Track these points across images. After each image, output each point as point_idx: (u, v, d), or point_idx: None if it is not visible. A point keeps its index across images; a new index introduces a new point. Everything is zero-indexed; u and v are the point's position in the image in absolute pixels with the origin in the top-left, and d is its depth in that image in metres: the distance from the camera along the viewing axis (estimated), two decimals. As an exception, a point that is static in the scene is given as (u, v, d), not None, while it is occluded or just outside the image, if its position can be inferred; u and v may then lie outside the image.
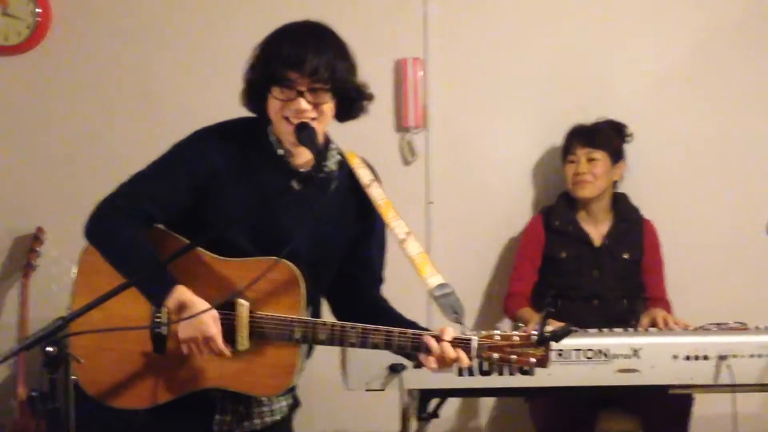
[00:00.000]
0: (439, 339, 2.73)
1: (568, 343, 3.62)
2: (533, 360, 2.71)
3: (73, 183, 4.74)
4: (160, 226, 2.85)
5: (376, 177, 2.96)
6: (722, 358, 3.71)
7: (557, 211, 4.63)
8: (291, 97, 2.76)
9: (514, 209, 4.79)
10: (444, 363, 2.75)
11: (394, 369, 3.69)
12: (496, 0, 4.84)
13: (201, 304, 2.71)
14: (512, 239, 4.80)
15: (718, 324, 3.96)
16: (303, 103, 2.75)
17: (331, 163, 2.91)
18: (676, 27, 4.85)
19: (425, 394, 3.87)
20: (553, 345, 2.71)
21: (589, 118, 4.67)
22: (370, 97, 2.90)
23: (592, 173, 4.51)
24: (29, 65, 4.79)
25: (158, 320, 2.76)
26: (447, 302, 2.81)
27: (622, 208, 4.63)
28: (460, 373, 3.67)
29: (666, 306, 4.53)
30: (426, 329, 2.79)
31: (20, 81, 4.80)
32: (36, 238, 4.66)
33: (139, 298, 2.75)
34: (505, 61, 4.83)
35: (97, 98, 4.78)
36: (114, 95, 4.79)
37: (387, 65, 4.76)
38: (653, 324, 4.29)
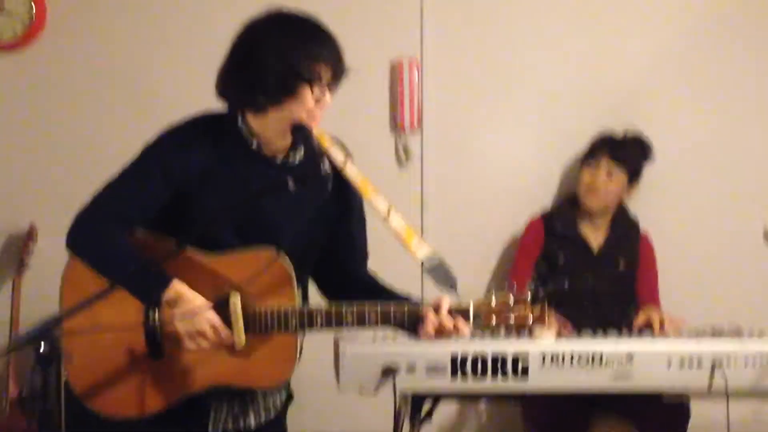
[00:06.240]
0: (437, 310, 2.73)
1: (562, 348, 3.67)
2: (531, 318, 2.71)
3: (67, 181, 4.72)
4: (142, 229, 2.82)
5: (349, 154, 2.88)
6: (716, 365, 3.70)
7: (560, 215, 4.62)
8: (320, 97, 2.76)
9: (509, 212, 4.77)
10: (443, 333, 2.75)
11: (387, 372, 3.66)
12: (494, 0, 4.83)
13: (196, 297, 2.69)
14: (507, 242, 4.79)
15: (712, 326, 3.96)
16: (329, 99, 2.79)
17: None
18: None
19: (418, 397, 3.86)
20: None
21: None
22: None
23: (607, 188, 4.51)
24: (24, 62, 4.76)
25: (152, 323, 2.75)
26: (439, 273, 2.74)
27: (621, 219, 4.63)
28: (454, 374, 3.65)
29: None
30: (416, 302, 2.80)
31: (14, 78, 4.77)
32: (29, 235, 4.63)
33: (128, 306, 2.73)
34: (502, 63, 4.81)
35: (91, 96, 4.76)
36: (109, 93, 4.76)
37: (383, 65, 4.74)
38: (648, 323, 4.27)
